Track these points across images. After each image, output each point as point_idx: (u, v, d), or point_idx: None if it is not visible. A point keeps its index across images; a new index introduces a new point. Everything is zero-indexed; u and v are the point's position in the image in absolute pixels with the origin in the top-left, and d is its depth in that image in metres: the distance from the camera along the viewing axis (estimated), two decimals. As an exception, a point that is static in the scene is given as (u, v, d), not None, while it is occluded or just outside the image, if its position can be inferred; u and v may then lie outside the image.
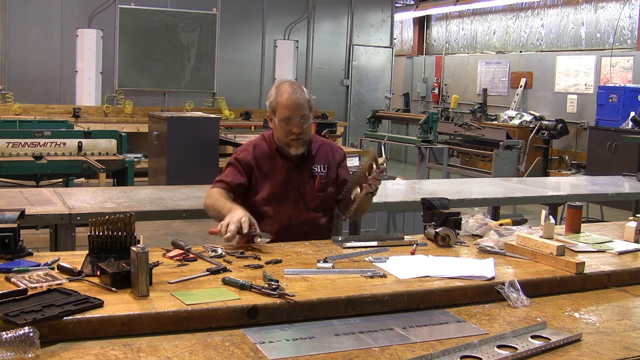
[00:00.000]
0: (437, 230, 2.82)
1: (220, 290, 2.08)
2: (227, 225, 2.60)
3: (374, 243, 2.76)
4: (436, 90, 15.11)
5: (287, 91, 2.97)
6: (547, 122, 11.17)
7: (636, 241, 2.96)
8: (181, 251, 2.49)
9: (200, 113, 9.00)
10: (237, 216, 2.64)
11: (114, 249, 2.35)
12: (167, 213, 3.71)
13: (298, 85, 3.03)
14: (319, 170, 3.10)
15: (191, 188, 4.31)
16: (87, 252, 2.37)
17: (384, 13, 13.15)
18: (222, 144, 8.39)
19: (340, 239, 2.82)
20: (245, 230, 2.60)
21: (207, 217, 3.18)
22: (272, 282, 2.09)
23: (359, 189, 2.82)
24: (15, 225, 2.41)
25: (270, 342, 1.83)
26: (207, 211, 3.04)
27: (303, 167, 3.08)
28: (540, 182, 5.67)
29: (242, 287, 2.08)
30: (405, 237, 2.88)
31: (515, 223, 3.09)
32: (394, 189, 4.94)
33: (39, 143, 5.91)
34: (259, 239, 2.62)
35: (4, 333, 1.62)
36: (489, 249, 2.72)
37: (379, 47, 13.11)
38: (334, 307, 2.05)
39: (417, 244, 2.76)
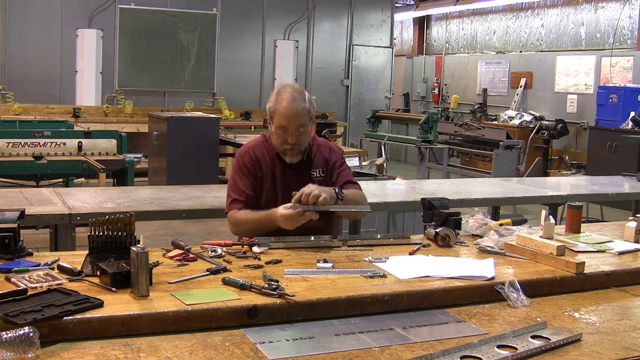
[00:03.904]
0: (437, 230, 2.82)
1: (220, 290, 2.08)
2: (288, 218, 2.68)
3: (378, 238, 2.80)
4: (436, 90, 15.11)
5: (287, 99, 2.85)
6: (547, 122, 11.17)
7: (636, 241, 2.96)
8: (181, 251, 2.49)
9: (200, 113, 8.99)
10: (280, 212, 2.71)
11: (114, 249, 2.35)
12: (167, 213, 3.71)
13: (300, 92, 2.91)
14: (317, 175, 3.02)
15: (191, 188, 4.31)
16: (87, 252, 2.37)
17: (384, 13, 13.15)
18: (222, 144, 8.39)
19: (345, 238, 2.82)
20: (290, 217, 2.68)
21: (207, 217, 3.17)
22: (272, 282, 2.09)
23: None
24: (15, 225, 2.41)
25: (270, 342, 1.83)
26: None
27: (302, 172, 3.01)
28: (540, 182, 5.68)
29: (242, 287, 2.08)
30: (411, 236, 2.89)
31: (515, 223, 3.09)
32: (394, 189, 4.94)
33: (39, 143, 5.90)
34: (256, 247, 2.60)
35: (4, 333, 1.62)
36: (489, 249, 2.72)
37: (379, 47, 13.11)
38: (334, 307, 2.05)
39: (422, 246, 2.76)
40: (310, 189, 2.69)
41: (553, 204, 4.82)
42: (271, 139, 3.00)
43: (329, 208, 2.75)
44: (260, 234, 2.76)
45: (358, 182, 3.19)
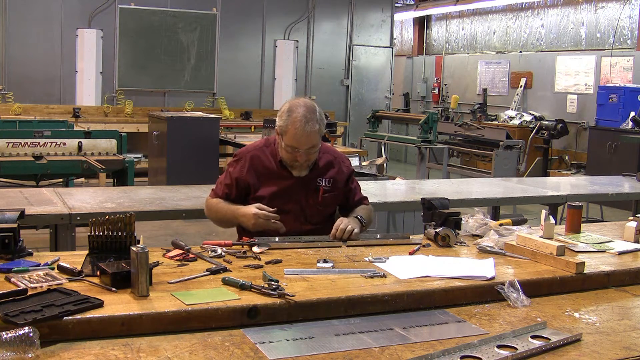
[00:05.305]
0: (437, 230, 2.82)
1: (220, 290, 2.08)
2: (259, 217, 2.78)
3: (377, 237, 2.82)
4: (436, 90, 15.11)
5: (300, 121, 2.80)
6: (547, 122, 11.17)
7: (636, 241, 2.96)
8: (181, 251, 2.49)
9: (200, 113, 8.98)
10: (252, 210, 2.80)
11: (114, 249, 2.35)
12: (167, 213, 3.71)
13: (312, 110, 2.85)
14: (323, 184, 3.00)
15: (191, 188, 4.31)
16: (87, 252, 2.38)
17: (384, 13, 13.14)
18: (222, 144, 8.38)
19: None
20: (264, 218, 2.80)
21: (207, 217, 3.20)
22: (272, 282, 2.09)
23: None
24: (15, 225, 2.41)
25: (270, 342, 1.83)
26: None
27: (307, 180, 2.99)
28: (540, 182, 5.68)
29: (242, 287, 2.08)
30: (410, 236, 2.89)
31: (515, 223, 3.09)
32: (394, 189, 4.94)
33: (39, 143, 5.90)
34: (256, 247, 2.61)
35: (4, 333, 1.62)
36: (489, 249, 2.72)
37: (379, 47, 13.10)
38: (334, 307, 2.05)
39: (422, 246, 2.76)
40: (345, 224, 2.80)
41: (553, 204, 4.82)
42: (279, 151, 2.97)
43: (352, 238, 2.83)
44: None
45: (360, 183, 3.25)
